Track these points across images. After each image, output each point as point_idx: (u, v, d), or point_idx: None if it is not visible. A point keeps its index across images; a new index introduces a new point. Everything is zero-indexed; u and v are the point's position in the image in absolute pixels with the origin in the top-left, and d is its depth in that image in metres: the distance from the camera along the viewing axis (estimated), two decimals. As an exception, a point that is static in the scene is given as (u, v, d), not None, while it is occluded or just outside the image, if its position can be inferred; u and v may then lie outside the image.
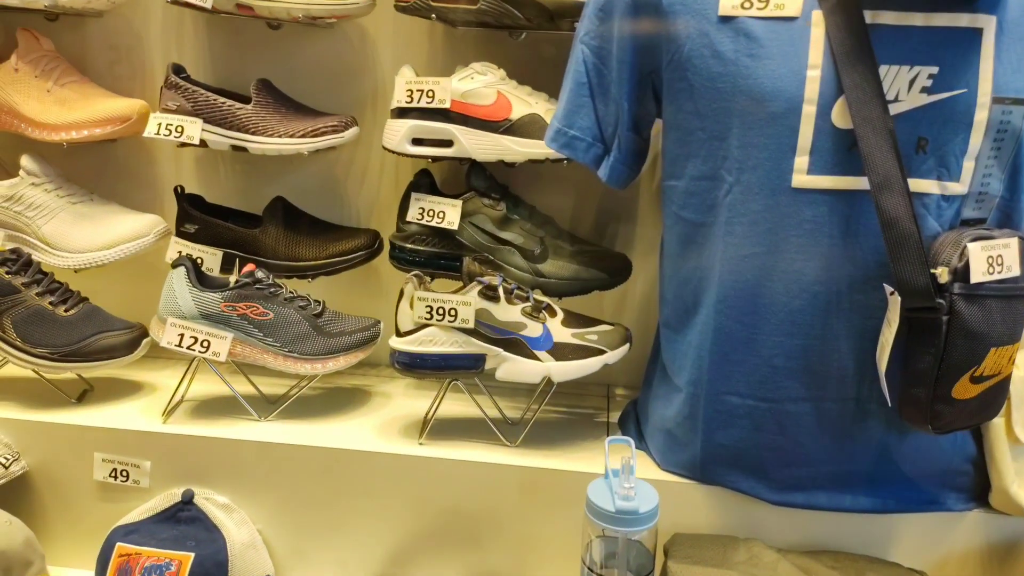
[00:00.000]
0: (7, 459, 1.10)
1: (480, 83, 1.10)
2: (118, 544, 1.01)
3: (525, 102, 1.10)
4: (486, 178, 1.14)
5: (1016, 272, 0.83)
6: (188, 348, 1.09)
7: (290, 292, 1.14)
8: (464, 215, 1.13)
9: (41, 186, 1.22)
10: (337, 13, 1.12)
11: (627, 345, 1.08)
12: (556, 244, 1.14)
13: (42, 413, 1.13)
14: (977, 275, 0.80)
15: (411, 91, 1.10)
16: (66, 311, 1.16)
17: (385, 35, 1.22)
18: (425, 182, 1.16)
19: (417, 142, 1.12)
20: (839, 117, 0.83)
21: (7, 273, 1.13)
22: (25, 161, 1.22)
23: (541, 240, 1.14)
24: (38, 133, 1.19)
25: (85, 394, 1.20)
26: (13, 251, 1.17)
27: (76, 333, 1.14)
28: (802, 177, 0.85)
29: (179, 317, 1.09)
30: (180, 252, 1.20)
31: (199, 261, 1.19)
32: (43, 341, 1.13)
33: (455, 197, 1.15)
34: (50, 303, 1.15)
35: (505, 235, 1.13)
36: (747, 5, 0.85)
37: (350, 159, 1.27)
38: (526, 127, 1.09)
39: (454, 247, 1.14)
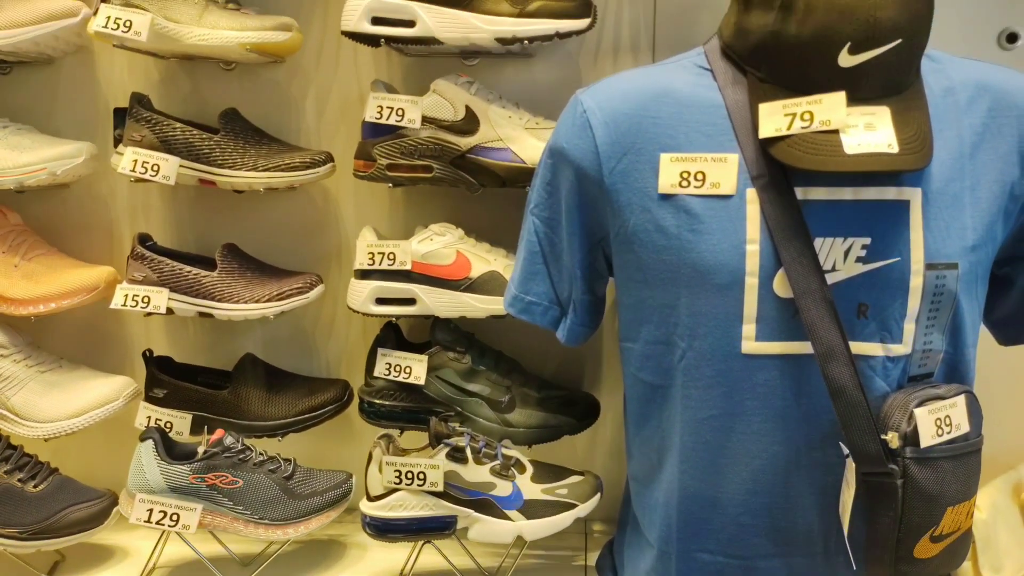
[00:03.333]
0: (-24, 644, 1.08)
1: (439, 244, 1.13)
2: None
3: (484, 260, 1.13)
4: (450, 331, 1.16)
5: (965, 429, 0.84)
6: (157, 523, 1.09)
7: (260, 454, 1.14)
8: (430, 369, 1.14)
9: (10, 357, 1.23)
10: (296, 182, 1.15)
11: (598, 495, 1.09)
12: (523, 392, 1.16)
13: (12, 593, 1.12)
14: (926, 439, 0.82)
15: (372, 254, 1.12)
16: (35, 487, 1.15)
17: (346, 194, 1.26)
18: (391, 336, 1.18)
19: (381, 301, 1.14)
20: (780, 287, 0.85)
21: (-26, 454, 1.13)
22: (-6, 333, 1.23)
23: (508, 389, 1.16)
24: (6, 308, 1.21)
25: (56, 566, 1.19)
26: (-18, 428, 1.17)
27: (45, 509, 1.14)
28: (751, 344, 0.87)
29: (147, 492, 1.09)
30: (149, 418, 1.20)
31: (168, 426, 1.20)
32: (12, 520, 1.12)
33: (421, 351, 1.16)
34: (19, 480, 1.15)
35: (472, 387, 1.15)
36: (684, 184, 0.88)
37: (317, 312, 1.30)
38: (486, 284, 1.11)
39: (422, 400, 1.16)
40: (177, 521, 1.08)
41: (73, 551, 1.20)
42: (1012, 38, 1.19)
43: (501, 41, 1.06)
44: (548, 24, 1.05)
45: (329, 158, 1.19)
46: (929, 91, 0.87)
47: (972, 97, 0.89)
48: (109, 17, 1.11)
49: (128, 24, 1.11)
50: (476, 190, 1.14)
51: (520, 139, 1.09)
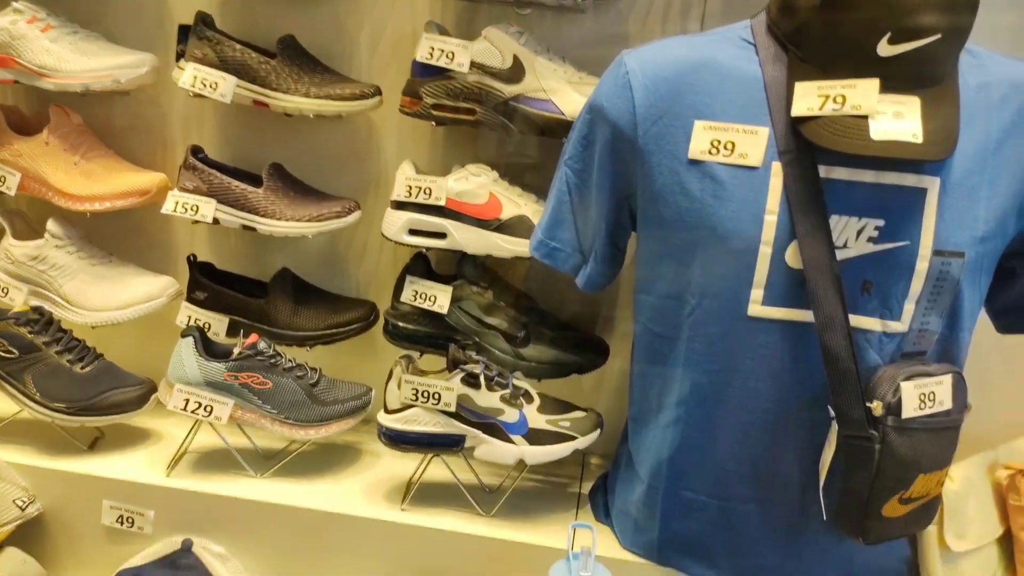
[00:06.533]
0: (23, 502, 1.20)
1: (474, 184, 1.19)
2: (122, 587, 1.10)
3: (515, 203, 1.19)
4: (476, 266, 1.23)
5: (948, 406, 0.91)
6: (192, 412, 1.18)
7: (289, 361, 1.23)
8: (454, 300, 1.22)
9: (64, 248, 1.32)
10: (344, 112, 1.21)
11: (597, 431, 1.17)
12: (538, 330, 1.23)
13: (57, 460, 1.23)
14: (909, 411, 0.88)
15: (410, 187, 1.19)
16: (82, 368, 1.25)
17: (390, 127, 1.31)
18: (420, 266, 1.25)
19: (414, 232, 1.21)
20: (792, 258, 0.91)
21: (30, 333, 1.23)
22: (51, 224, 1.31)
23: (524, 326, 1.23)
24: (64, 202, 1.29)
25: (96, 441, 1.30)
26: (36, 310, 1.26)
27: (91, 389, 1.24)
28: (757, 307, 0.94)
29: (185, 383, 1.19)
30: (189, 317, 1.29)
31: (207, 326, 1.28)
32: (60, 396, 1.22)
33: (446, 283, 1.24)
34: (68, 360, 1.25)
35: (491, 320, 1.22)
36: (713, 152, 0.93)
37: (351, 235, 1.37)
38: (515, 227, 1.18)
39: (443, 328, 1.23)
40: (210, 412, 1.18)
41: (112, 429, 1.31)
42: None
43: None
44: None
45: (377, 91, 1.24)
46: (964, 85, 0.91)
47: (1006, 95, 0.92)
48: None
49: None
50: (515, 136, 1.19)
51: (563, 92, 1.14)
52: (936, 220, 0.89)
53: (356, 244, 1.38)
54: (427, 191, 1.18)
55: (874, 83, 0.86)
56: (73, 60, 1.25)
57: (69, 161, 1.31)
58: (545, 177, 1.12)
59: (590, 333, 1.29)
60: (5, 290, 1.32)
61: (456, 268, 1.24)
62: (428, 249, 1.23)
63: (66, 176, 1.29)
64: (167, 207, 1.26)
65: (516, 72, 1.14)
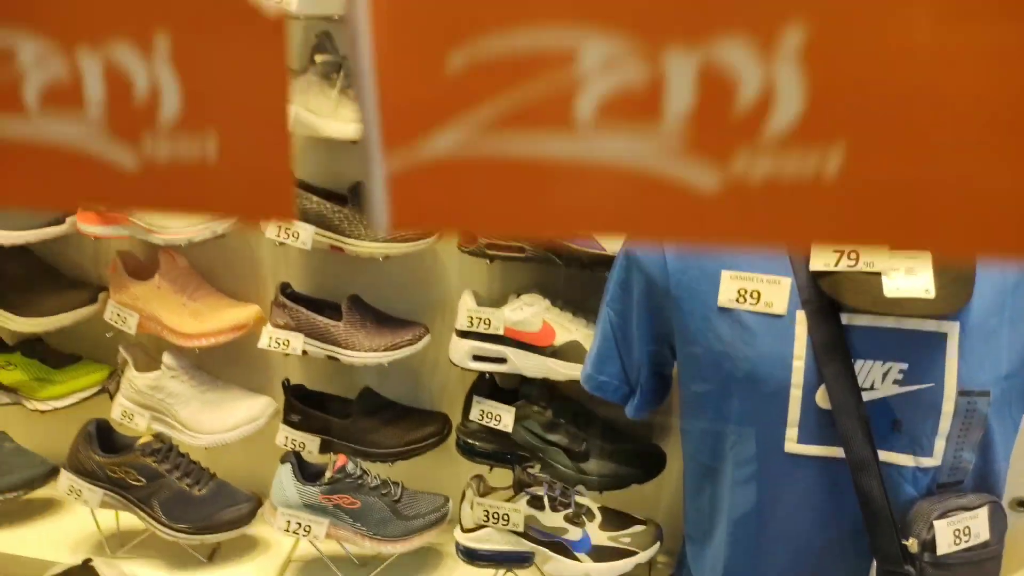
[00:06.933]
0: (154, 609, 1.38)
1: (528, 313, 1.29)
2: None
3: (567, 329, 1.28)
4: (536, 387, 1.33)
5: (985, 538, 0.94)
6: (294, 532, 1.34)
7: (375, 479, 1.37)
8: (517, 419, 1.32)
9: (178, 378, 1.51)
10: (409, 251, 1.34)
11: (657, 544, 1.25)
12: (598, 444, 1.32)
13: (181, 572, 1.41)
14: (943, 547, 0.92)
15: (471, 318, 1.30)
16: (199, 490, 1.43)
17: (452, 258, 1.44)
18: (485, 386, 1.36)
19: (477, 358, 1.32)
20: (822, 400, 0.97)
21: (154, 462, 1.42)
22: (166, 357, 1.50)
23: (584, 440, 1.32)
24: (177, 340, 1.48)
25: (214, 553, 1.47)
26: (158, 437, 1.45)
27: (207, 509, 1.41)
28: (793, 445, 0.99)
29: (286, 506, 1.34)
30: (287, 438, 1.45)
31: (301, 446, 1.44)
32: (183, 518, 1.40)
33: (511, 396, 1.34)
34: (187, 484, 1.43)
35: (552, 437, 1.32)
36: (741, 300, 1.00)
37: (424, 352, 1.49)
38: (568, 352, 1.27)
39: (510, 446, 1.34)
40: (309, 531, 1.33)
41: (226, 541, 1.48)
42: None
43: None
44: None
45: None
46: None
47: None
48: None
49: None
50: (562, 268, 1.29)
51: (603, 228, 1.23)
52: (959, 362, 0.93)
53: (428, 360, 1.51)
54: (487, 321, 1.30)
55: (886, 242, 0.91)
56: (177, 220, 1.44)
57: (178, 302, 1.49)
58: (595, 300, 1.21)
59: (647, 444, 1.37)
60: (131, 416, 1.52)
61: (518, 387, 1.35)
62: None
63: (177, 316, 1.48)
64: (262, 342, 1.42)
65: (560, 213, 1.24)
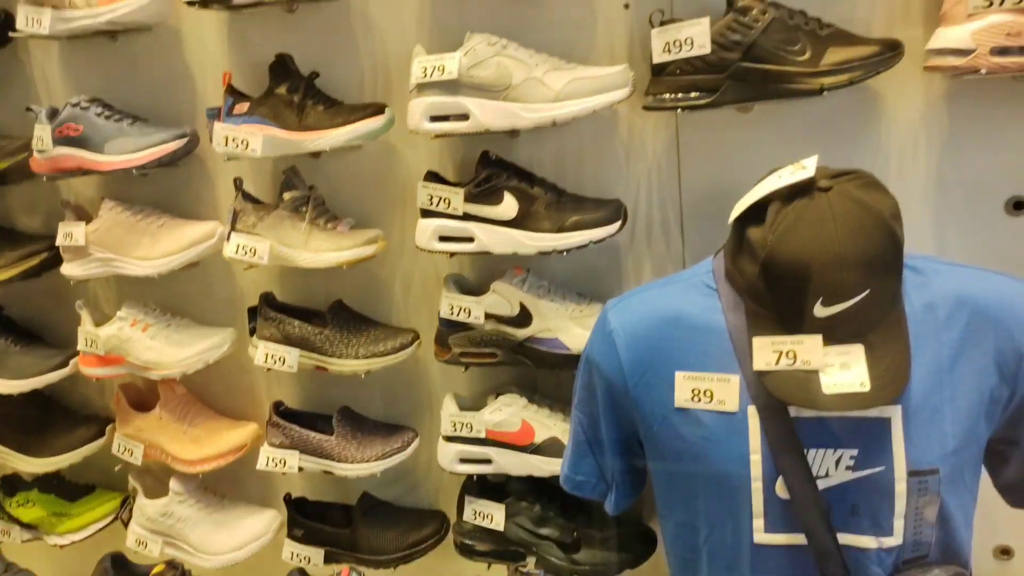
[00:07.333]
0: None
1: (507, 413, 1.35)
2: None
3: (546, 426, 1.34)
4: (523, 483, 1.38)
5: (952, 610, 0.97)
6: (304, 647, 1.38)
7: (378, 586, 1.41)
8: (508, 516, 1.37)
9: (186, 502, 1.57)
10: (390, 364, 1.41)
11: (653, 628, 1.28)
12: (587, 533, 1.36)
13: None
14: (911, 627, 0.95)
15: (454, 423, 1.36)
16: (213, 613, 1.48)
17: (431, 364, 1.50)
18: (474, 486, 1.41)
19: (464, 461, 1.38)
20: (781, 490, 1.00)
21: (168, 589, 1.48)
22: (173, 483, 1.57)
23: (574, 531, 1.36)
24: (180, 467, 1.54)
25: (233, 669, 1.52)
26: (171, 564, 1.51)
27: (222, 630, 1.46)
28: (761, 535, 1.03)
29: (296, 623, 1.39)
30: (292, 553, 1.50)
31: (307, 560, 1.49)
32: (199, 641, 1.45)
33: (502, 490, 1.39)
34: (201, 608, 1.48)
35: (543, 531, 1.36)
36: (696, 399, 1.05)
37: (416, 454, 1.55)
38: (549, 448, 1.32)
39: (504, 542, 1.39)
40: (318, 645, 1.38)
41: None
42: (1019, 206, 1.24)
43: (542, 253, 1.26)
44: (583, 236, 1.24)
45: (416, 338, 1.43)
46: (910, 308, 0.98)
47: (951, 312, 0.99)
48: (238, 245, 1.40)
49: (252, 251, 1.39)
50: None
51: (566, 329, 1.29)
52: (905, 444, 0.96)
53: (421, 462, 1.56)
54: (468, 426, 1.35)
55: (817, 339, 0.95)
56: (170, 353, 1.51)
57: (179, 430, 1.56)
58: (569, 392, 1.26)
59: (637, 526, 1.41)
60: (144, 544, 1.58)
61: (506, 482, 1.40)
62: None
63: (179, 444, 1.55)
64: (261, 463, 1.48)
65: (524, 317, 1.31)
